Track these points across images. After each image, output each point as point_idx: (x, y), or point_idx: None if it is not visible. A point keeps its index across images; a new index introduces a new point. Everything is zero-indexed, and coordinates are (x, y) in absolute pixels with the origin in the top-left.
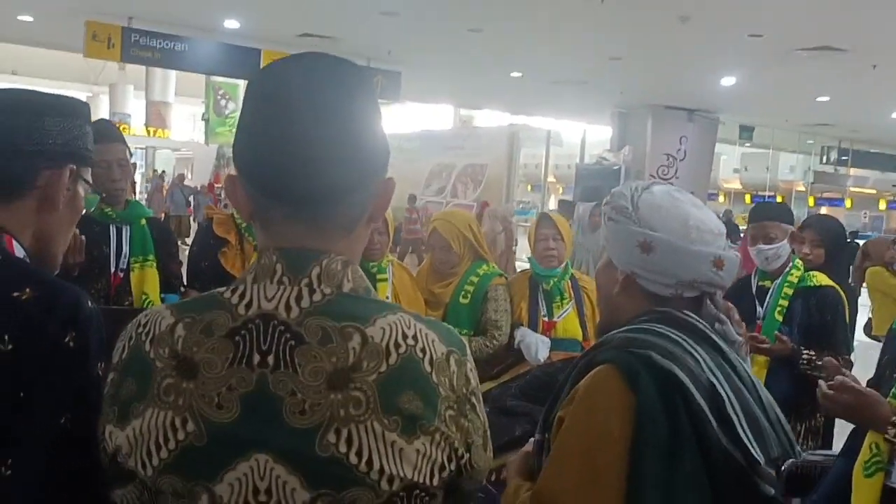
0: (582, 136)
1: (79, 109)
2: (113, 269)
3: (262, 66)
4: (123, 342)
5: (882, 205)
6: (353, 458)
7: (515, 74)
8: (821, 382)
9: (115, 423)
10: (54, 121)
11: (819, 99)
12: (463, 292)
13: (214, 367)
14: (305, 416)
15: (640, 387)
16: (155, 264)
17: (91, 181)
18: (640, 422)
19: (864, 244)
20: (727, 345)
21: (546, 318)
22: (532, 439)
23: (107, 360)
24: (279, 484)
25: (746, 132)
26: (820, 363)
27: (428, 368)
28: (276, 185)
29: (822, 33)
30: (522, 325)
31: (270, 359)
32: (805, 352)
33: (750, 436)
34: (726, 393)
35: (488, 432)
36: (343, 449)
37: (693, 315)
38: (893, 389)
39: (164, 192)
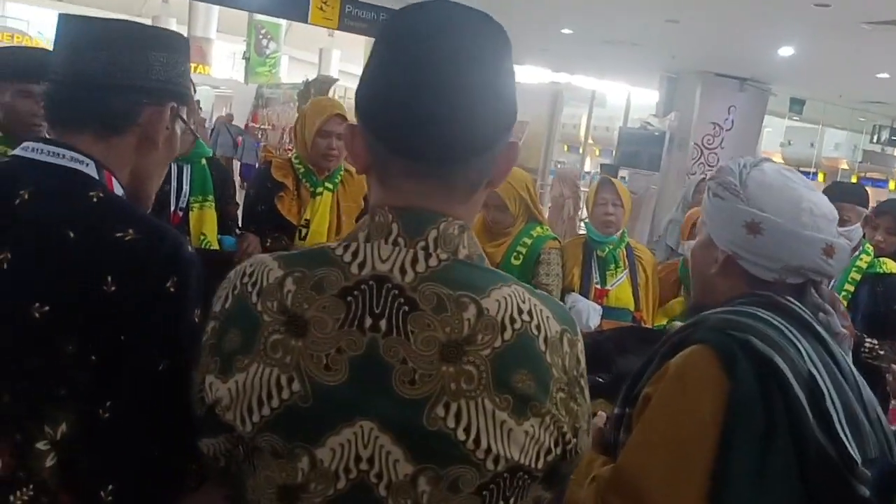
0: (626, 98)
1: (181, 44)
2: (173, 208)
3: (310, 9)
4: (227, 291)
5: None
6: (460, 435)
7: (566, 31)
8: (894, 367)
9: (217, 375)
10: (158, 56)
11: (879, 75)
12: (515, 253)
13: (325, 326)
14: (415, 386)
15: (736, 372)
16: (213, 205)
17: (187, 120)
18: (733, 409)
19: None
20: (830, 336)
21: (598, 286)
22: (601, 413)
23: (203, 307)
24: (382, 454)
25: (797, 105)
26: (882, 353)
27: (542, 347)
28: (404, 139)
29: (892, 6)
30: (574, 290)
31: (383, 323)
32: (868, 340)
33: (848, 434)
34: (826, 386)
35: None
36: (451, 424)
37: (796, 302)
38: None
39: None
